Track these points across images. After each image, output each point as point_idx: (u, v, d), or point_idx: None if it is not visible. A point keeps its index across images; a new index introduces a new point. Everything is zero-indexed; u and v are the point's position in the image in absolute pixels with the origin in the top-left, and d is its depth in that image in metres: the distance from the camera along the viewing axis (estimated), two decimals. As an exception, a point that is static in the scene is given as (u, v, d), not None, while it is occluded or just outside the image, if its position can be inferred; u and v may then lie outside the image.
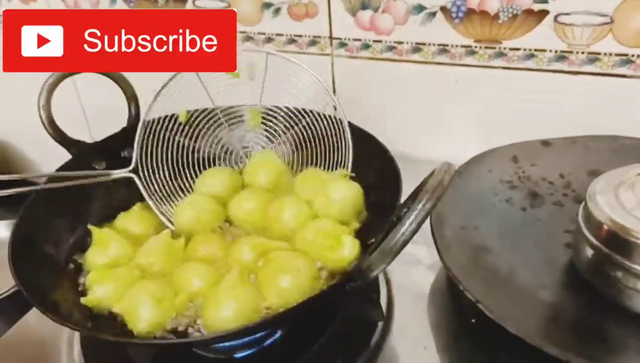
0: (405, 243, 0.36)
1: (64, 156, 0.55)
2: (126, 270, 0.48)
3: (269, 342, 0.49)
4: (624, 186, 0.46)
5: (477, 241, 0.51)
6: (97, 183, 0.54)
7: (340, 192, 0.52)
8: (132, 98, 0.59)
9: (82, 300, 0.46)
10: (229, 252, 0.50)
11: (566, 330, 0.43)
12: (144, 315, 0.43)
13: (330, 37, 0.71)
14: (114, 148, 0.57)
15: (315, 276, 0.46)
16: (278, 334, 0.49)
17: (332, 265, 0.47)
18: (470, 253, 0.50)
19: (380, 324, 0.50)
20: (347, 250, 0.47)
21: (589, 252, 0.45)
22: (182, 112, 0.58)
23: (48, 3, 0.87)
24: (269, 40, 0.75)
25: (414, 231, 0.36)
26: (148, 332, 0.43)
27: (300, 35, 0.72)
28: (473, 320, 0.49)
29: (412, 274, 0.56)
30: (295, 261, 0.46)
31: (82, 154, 0.55)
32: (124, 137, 0.57)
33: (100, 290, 0.46)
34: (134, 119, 0.59)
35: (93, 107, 0.93)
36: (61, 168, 0.55)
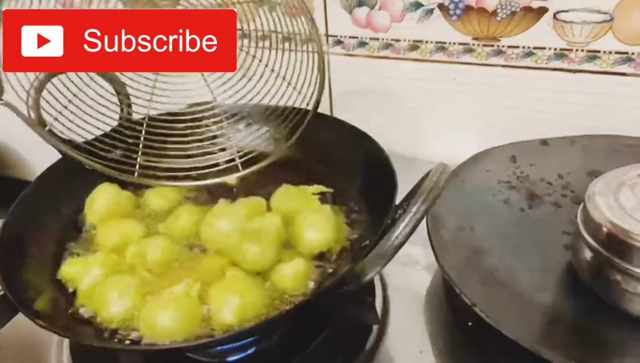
0: (399, 247, 0.35)
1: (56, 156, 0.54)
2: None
3: (263, 345, 0.48)
4: (624, 187, 0.45)
5: (474, 243, 0.50)
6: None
7: (311, 233, 0.49)
8: (124, 98, 0.58)
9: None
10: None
11: (564, 334, 0.43)
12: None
13: (327, 35, 0.70)
14: (103, 149, 0.56)
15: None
16: (272, 338, 0.48)
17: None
18: (467, 254, 0.49)
19: (375, 327, 0.49)
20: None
21: (588, 254, 0.44)
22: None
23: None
24: (265, 37, 0.74)
25: (408, 235, 0.35)
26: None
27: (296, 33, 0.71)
28: (470, 324, 0.48)
29: (409, 275, 0.55)
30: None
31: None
32: (115, 137, 0.56)
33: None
34: (126, 119, 0.58)
35: (84, 106, 0.92)
36: (51, 168, 0.54)
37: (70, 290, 0.48)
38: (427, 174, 0.39)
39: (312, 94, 0.55)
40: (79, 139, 0.54)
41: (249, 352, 0.47)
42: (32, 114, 0.51)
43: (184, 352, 0.47)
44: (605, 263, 0.42)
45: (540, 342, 0.40)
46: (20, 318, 0.53)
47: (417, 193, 0.36)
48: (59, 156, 0.55)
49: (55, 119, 0.52)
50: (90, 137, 0.54)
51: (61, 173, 0.54)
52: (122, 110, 0.58)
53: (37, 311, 0.42)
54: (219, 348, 0.46)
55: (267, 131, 0.56)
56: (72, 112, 0.53)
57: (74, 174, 0.54)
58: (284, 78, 0.55)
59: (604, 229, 0.42)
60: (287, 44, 0.56)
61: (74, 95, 0.53)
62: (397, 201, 0.45)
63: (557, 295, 0.46)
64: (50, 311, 0.44)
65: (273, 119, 0.56)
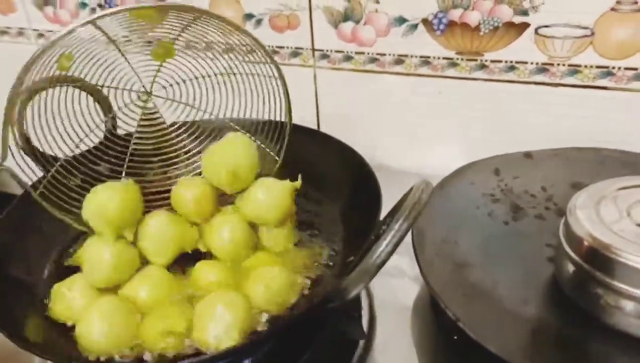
0: (382, 264, 0.36)
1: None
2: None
3: (250, 360, 0.48)
4: (605, 200, 0.45)
5: (458, 256, 0.50)
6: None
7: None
8: (108, 111, 0.58)
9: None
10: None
11: (548, 348, 0.43)
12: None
13: (313, 49, 0.70)
14: (88, 164, 0.56)
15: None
16: (257, 356, 0.48)
17: None
18: (451, 268, 0.49)
19: (361, 342, 0.49)
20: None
21: (570, 268, 0.44)
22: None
23: (27, 16, 0.85)
24: (252, 51, 0.74)
25: (390, 253, 0.35)
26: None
27: (282, 47, 0.72)
28: (455, 337, 0.48)
29: (395, 286, 0.55)
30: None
31: (56, 170, 0.54)
32: (100, 151, 0.56)
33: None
34: (110, 132, 0.58)
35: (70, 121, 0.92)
36: (35, 184, 0.53)
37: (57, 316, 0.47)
38: (410, 191, 0.40)
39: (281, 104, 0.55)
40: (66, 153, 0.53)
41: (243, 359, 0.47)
42: (16, 132, 0.51)
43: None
44: (587, 277, 0.43)
45: (524, 356, 0.40)
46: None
47: (399, 211, 0.36)
48: (44, 171, 0.55)
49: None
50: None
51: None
52: (105, 123, 0.58)
53: (21, 337, 0.42)
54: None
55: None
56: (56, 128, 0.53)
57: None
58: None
59: (585, 242, 0.42)
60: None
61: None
62: (382, 215, 0.46)
63: (541, 308, 0.46)
64: (38, 335, 0.43)
65: (257, 133, 0.56)
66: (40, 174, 0.52)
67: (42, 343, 0.43)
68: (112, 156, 0.55)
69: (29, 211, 0.51)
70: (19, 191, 0.51)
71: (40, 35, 0.86)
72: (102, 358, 0.42)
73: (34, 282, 0.50)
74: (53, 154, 0.54)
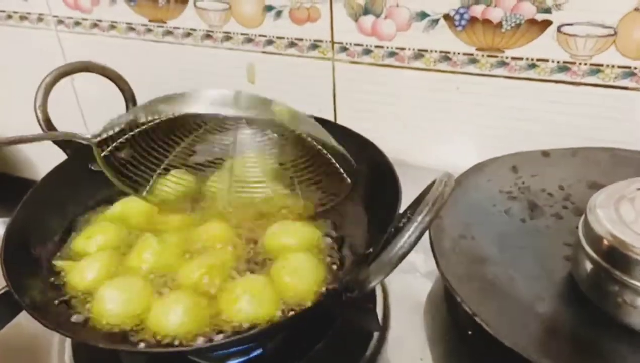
0: (404, 256, 0.36)
1: (62, 156, 0.55)
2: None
3: (263, 351, 0.48)
4: (625, 200, 0.45)
5: (475, 252, 0.51)
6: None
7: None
8: (130, 98, 0.58)
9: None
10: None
11: (563, 345, 0.43)
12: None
13: (332, 42, 0.70)
14: (110, 148, 0.57)
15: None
16: (273, 343, 0.48)
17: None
18: (468, 263, 0.49)
19: (376, 334, 0.49)
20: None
21: (588, 266, 0.44)
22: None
23: (47, 1, 0.86)
24: (270, 43, 0.74)
25: (413, 244, 0.36)
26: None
27: (302, 39, 0.72)
28: (470, 332, 0.48)
29: (409, 282, 0.56)
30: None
31: (78, 154, 0.55)
32: (121, 137, 0.57)
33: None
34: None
35: (90, 107, 0.93)
36: (58, 167, 0.54)
37: (73, 291, 0.48)
38: (432, 184, 0.39)
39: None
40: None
41: (251, 355, 0.47)
42: (39, 115, 0.52)
43: (185, 355, 0.47)
44: (605, 275, 0.43)
45: (540, 352, 0.40)
46: (21, 318, 0.54)
47: (421, 203, 0.36)
48: (64, 156, 0.55)
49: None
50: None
51: (67, 174, 0.55)
52: (127, 110, 0.59)
53: (41, 311, 0.42)
54: (220, 352, 0.46)
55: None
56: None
57: (79, 175, 0.55)
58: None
59: (605, 241, 0.42)
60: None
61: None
62: (401, 209, 0.46)
63: (557, 306, 0.46)
64: (54, 311, 0.44)
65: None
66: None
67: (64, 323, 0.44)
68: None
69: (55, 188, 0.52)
70: (30, 174, 0.52)
71: (60, 21, 0.87)
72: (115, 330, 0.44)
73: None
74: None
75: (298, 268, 0.47)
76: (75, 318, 0.45)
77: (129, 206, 0.55)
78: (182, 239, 0.51)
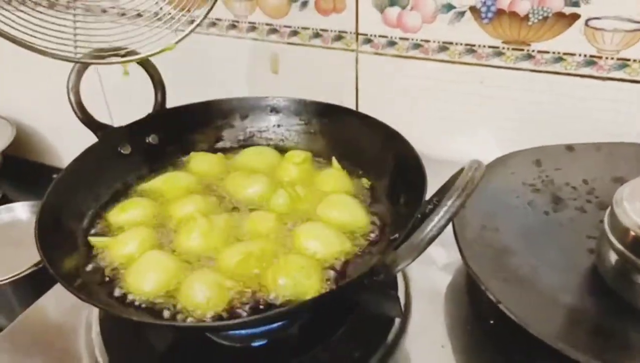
0: (432, 239, 0.36)
1: (85, 144, 0.56)
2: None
3: (284, 333, 0.49)
4: (651, 193, 0.45)
5: (498, 243, 0.51)
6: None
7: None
8: (158, 84, 0.59)
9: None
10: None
11: (587, 334, 0.43)
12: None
13: (357, 33, 0.71)
14: (139, 134, 0.58)
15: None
16: (294, 326, 0.49)
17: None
18: (491, 254, 0.50)
19: (397, 321, 0.50)
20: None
21: (614, 258, 0.45)
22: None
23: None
24: (295, 33, 0.75)
25: (443, 227, 0.36)
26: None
27: (326, 30, 0.72)
28: (492, 322, 0.48)
29: (429, 274, 0.56)
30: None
31: (108, 137, 0.56)
32: (149, 123, 0.58)
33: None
34: (159, 105, 0.59)
35: (114, 93, 0.94)
36: (88, 150, 0.55)
37: (107, 265, 0.49)
38: (459, 172, 0.40)
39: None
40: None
41: (273, 338, 0.48)
42: (72, 97, 0.53)
43: (206, 332, 0.48)
44: (631, 267, 0.43)
45: (564, 340, 0.40)
46: (49, 296, 0.55)
47: (451, 188, 0.37)
48: (88, 143, 0.56)
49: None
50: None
51: (97, 156, 0.56)
52: (155, 96, 0.60)
53: (76, 285, 0.44)
54: (249, 331, 0.47)
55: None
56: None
57: (109, 158, 0.56)
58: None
59: (632, 233, 0.43)
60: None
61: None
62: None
63: (581, 297, 0.46)
64: (87, 286, 0.45)
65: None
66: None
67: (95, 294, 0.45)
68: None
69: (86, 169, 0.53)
70: (54, 162, 0.53)
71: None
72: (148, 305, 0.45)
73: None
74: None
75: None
76: (111, 292, 0.46)
77: (169, 181, 0.57)
78: (229, 224, 0.52)
